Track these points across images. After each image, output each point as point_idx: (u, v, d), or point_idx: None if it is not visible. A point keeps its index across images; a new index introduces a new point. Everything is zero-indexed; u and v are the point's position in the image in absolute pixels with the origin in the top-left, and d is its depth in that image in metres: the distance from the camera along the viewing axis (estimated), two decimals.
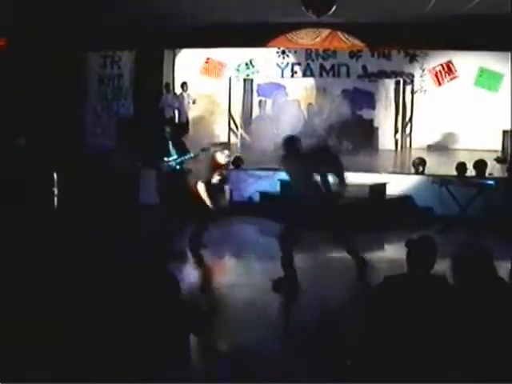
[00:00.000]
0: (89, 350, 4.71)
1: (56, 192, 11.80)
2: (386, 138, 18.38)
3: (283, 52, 19.49)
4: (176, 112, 18.44)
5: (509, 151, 15.35)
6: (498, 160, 13.40)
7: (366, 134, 18.27)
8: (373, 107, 18.84)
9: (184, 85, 18.66)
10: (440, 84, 19.18)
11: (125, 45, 17.08)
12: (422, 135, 18.79)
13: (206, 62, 19.78)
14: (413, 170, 13.88)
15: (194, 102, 18.66)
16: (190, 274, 9.68)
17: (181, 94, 18.63)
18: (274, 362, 6.30)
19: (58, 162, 12.11)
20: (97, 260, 5.86)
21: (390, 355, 4.54)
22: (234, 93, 19.28)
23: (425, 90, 19.28)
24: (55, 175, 11.88)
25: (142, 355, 4.66)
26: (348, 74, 19.51)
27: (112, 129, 17.92)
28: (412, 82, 19.23)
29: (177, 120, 18.23)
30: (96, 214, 10.82)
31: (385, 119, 18.64)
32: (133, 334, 4.70)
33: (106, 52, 18.88)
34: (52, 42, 14.60)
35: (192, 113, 18.93)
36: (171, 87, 19.02)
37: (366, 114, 18.82)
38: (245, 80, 19.42)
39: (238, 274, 9.98)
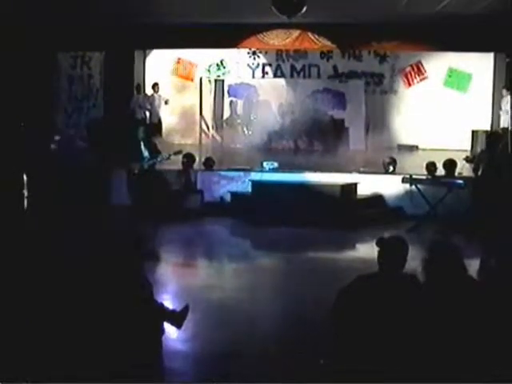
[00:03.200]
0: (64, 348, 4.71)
1: (26, 194, 11.70)
2: (357, 138, 18.45)
3: (254, 53, 19.49)
4: (147, 113, 18.35)
5: (477, 151, 15.48)
6: (467, 159, 13.47)
7: (337, 133, 18.32)
8: (343, 107, 18.90)
9: (155, 86, 18.53)
10: (410, 85, 19.31)
11: (95, 45, 16.97)
12: (393, 135, 18.91)
13: (177, 63, 19.72)
14: (383, 170, 13.96)
15: (166, 103, 18.53)
16: (162, 274, 9.64)
17: (152, 94, 18.51)
18: (248, 362, 6.31)
19: (28, 162, 12.00)
20: (68, 261, 5.83)
21: (364, 353, 4.57)
22: (204, 93, 19.25)
23: (395, 91, 19.41)
24: (25, 176, 11.78)
25: (112, 355, 4.66)
26: (319, 75, 19.56)
27: (83, 129, 17.79)
28: (382, 82, 19.36)
29: (148, 121, 18.14)
30: (67, 215, 10.75)
31: (355, 119, 18.70)
32: (102, 334, 4.70)
33: (76, 52, 18.78)
34: (22, 42, 14.46)
35: (163, 114, 18.85)
36: (142, 88, 18.93)
37: (336, 114, 18.86)
38: (216, 81, 19.39)
39: (210, 274, 9.96)
